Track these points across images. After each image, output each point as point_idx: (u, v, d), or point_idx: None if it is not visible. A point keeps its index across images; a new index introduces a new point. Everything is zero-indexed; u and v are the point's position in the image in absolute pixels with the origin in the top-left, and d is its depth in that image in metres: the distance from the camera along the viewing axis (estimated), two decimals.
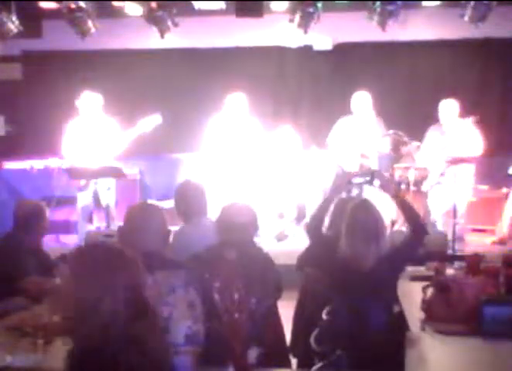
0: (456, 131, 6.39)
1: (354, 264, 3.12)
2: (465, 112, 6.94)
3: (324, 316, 3.05)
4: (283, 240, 6.91)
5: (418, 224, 3.23)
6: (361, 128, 6.66)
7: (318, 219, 3.41)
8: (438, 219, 6.47)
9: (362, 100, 6.69)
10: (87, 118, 6.44)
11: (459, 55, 8.22)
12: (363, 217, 3.18)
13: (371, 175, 3.45)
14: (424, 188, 6.49)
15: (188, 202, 3.64)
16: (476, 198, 7.45)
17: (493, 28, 7.43)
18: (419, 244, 3.31)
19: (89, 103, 6.43)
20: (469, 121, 6.41)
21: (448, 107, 6.48)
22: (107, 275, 1.96)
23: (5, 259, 3.60)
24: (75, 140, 6.41)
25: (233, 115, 6.75)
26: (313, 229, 3.42)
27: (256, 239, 3.44)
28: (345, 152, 6.63)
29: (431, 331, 2.84)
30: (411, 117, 6.64)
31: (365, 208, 3.27)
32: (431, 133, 6.61)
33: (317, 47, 8.36)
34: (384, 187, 3.40)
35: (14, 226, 3.85)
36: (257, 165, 6.85)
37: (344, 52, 8.34)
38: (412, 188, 6.39)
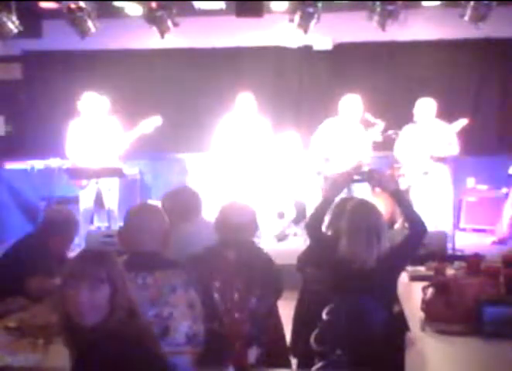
0: (432, 130, 6.42)
1: (354, 264, 3.12)
2: (465, 112, 6.97)
3: (324, 316, 3.05)
4: (283, 240, 6.91)
5: (417, 221, 3.22)
6: (349, 132, 6.52)
7: (317, 218, 3.40)
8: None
9: (352, 104, 6.48)
10: (89, 118, 6.44)
11: (459, 55, 8.22)
12: (363, 216, 3.18)
13: (368, 174, 3.45)
14: (402, 186, 6.50)
15: (185, 202, 3.64)
16: (476, 198, 7.46)
17: (493, 28, 7.43)
18: (419, 242, 3.30)
19: (90, 104, 6.43)
20: (458, 124, 6.44)
21: (425, 106, 6.49)
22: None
23: (22, 258, 3.58)
24: (78, 140, 6.41)
25: (243, 115, 6.73)
26: (313, 228, 3.42)
27: (256, 239, 3.44)
28: (333, 155, 6.49)
29: (431, 331, 2.83)
30: (410, 117, 6.63)
31: (365, 207, 3.28)
32: (406, 131, 6.62)
33: (317, 47, 8.36)
34: (381, 185, 3.39)
35: (41, 230, 3.85)
36: (260, 164, 6.84)
37: (344, 52, 8.34)
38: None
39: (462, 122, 6.55)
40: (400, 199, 3.30)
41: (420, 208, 6.42)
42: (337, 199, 3.61)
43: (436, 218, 6.26)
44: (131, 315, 2.01)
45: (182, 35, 8.04)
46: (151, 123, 6.37)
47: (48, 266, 3.53)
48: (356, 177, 3.48)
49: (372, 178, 3.44)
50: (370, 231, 3.12)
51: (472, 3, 6.86)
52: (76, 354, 1.99)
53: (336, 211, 3.61)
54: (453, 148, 6.41)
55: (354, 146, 6.44)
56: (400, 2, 6.96)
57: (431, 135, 6.41)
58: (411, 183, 6.48)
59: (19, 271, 3.45)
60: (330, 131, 6.55)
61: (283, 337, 3.49)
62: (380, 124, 6.58)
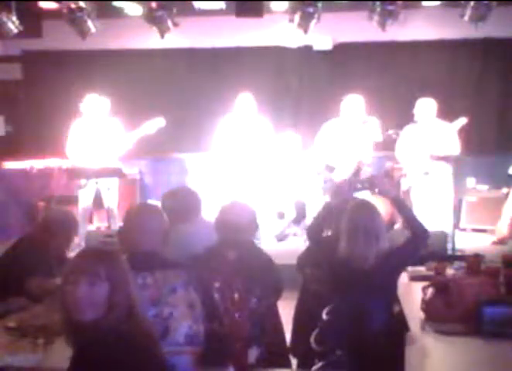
0: (433, 129, 6.42)
1: (354, 263, 3.12)
2: (465, 112, 6.96)
3: (324, 316, 3.05)
4: (283, 240, 6.91)
5: (418, 227, 3.22)
6: (351, 132, 6.51)
7: (319, 225, 3.43)
8: (423, 219, 6.48)
9: (354, 104, 6.43)
10: (91, 120, 6.44)
11: (459, 55, 8.22)
12: (362, 216, 3.18)
13: (370, 181, 3.45)
14: (403, 187, 6.53)
15: (185, 202, 3.65)
16: (476, 198, 7.46)
17: (493, 28, 7.43)
18: (420, 247, 3.29)
19: (93, 105, 6.43)
20: (458, 123, 6.44)
21: (425, 106, 6.49)
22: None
23: (22, 258, 3.58)
24: (79, 140, 6.41)
25: (243, 115, 6.72)
26: (314, 236, 3.46)
27: (256, 240, 3.44)
28: (334, 155, 6.45)
29: (431, 331, 2.84)
30: (411, 117, 6.63)
31: (365, 207, 3.28)
32: (407, 131, 6.62)
33: (317, 47, 8.36)
34: (382, 192, 3.39)
35: (40, 230, 3.85)
36: (260, 165, 6.84)
37: (344, 52, 8.34)
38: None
39: (462, 121, 6.55)
40: (400, 205, 3.30)
41: (421, 208, 6.46)
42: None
43: (436, 218, 6.27)
44: (130, 314, 2.01)
45: (182, 35, 8.05)
46: (155, 124, 6.36)
47: (48, 266, 3.53)
48: (358, 185, 3.48)
49: (373, 185, 3.43)
50: (368, 231, 3.12)
51: (472, 3, 6.86)
52: (74, 351, 2.00)
53: (337, 211, 3.61)
54: (454, 147, 6.42)
55: (356, 146, 6.43)
56: (400, 2, 6.96)
57: (432, 135, 6.41)
58: (412, 184, 6.50)
59: (19, 271, 3.45)
60: (333, 131, 6.53)
61: (283, 337, 3.49)
62: (374, 121, 6.52)
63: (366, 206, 3.31)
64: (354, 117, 6.44)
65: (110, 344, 1.92)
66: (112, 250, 2.15)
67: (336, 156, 6.41)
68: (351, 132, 6.46)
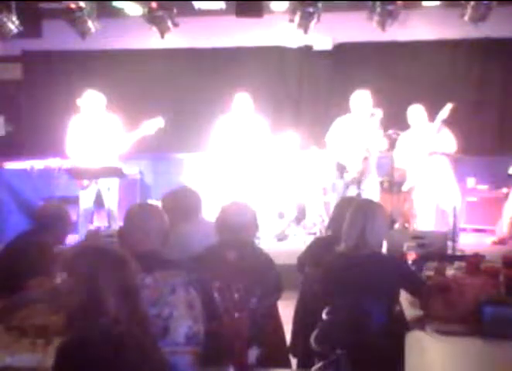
0: (427, 133, 6.45)
1: (347, 245, 3.13)
2: (465, 112, 6.96)
3: (324, 316, 3.05)
4: (283, 240, 6.92)
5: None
6: (360, 127, 6.54)
7: (305, 259, 3.73)
8: (424, 218, 6.50)
9: (362, 99, 6.45)
10: (89, 117, 6.43)
11: (459, 55, 8.23)
12: (364, 208, 3.19)
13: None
14: (404, 188, 6.55)
15: (185, 202, 3.65)
16: (476, 198, 7.47)
17: (493, 28, 7.44)
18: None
19: (91, 101, 6.42)
20: (445, 111, 6.41)
21: (416, 112, 6.55)
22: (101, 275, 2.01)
23: (20, 257, 3.58)
24: (78, 139, 6.40)
25: (240, 115, 6.72)
26: (300, 268, 3.77)
27: (256, 240, 3.44)
28: (345, 151, 6.48)
29: (431, 331, 2.83)
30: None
31: (369, 203, 3.32)
32: (403, 138, 6.64)
33: (317, 47, 8.37)
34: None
35: (36, 227, 3.85)
36: (260, 164, 6.84)
37: (344, 52, 8.35)
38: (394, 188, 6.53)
39: (448, 107, 6.48)
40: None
41: (422, 208, 6.47)
42: (338, 199, 3.63)
43: (437, 218, 6.29)
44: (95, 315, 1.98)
45: (182, 35, 8.05)
46: (154, 124, 6.35)
47: (47, 265, 3.53)
48: None
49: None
50: (367, 221, 3.11)
51: (472, 3, 6.87)
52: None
53: (337, 211, 3.61)
54: (450, 144, 6.45)
55: (366, 141, 6.40)
56: (400, 2, 6.97)
57: (427, 139, 6.44)
58: (413, 184, 6.51)
59: (18, 271, 3.44)
60: (343, 128, 6.49)
61: (283, 337, 3.49)
62: (379, 113, 6.48)
63: (371, 202, 3.34)
64: (362, 112, 6.43)
65: (74, 345, 1.88)
66: (108, 250, 2.14)
67: (346, 152, 6.42)
68: (360, 127, 6.44)
